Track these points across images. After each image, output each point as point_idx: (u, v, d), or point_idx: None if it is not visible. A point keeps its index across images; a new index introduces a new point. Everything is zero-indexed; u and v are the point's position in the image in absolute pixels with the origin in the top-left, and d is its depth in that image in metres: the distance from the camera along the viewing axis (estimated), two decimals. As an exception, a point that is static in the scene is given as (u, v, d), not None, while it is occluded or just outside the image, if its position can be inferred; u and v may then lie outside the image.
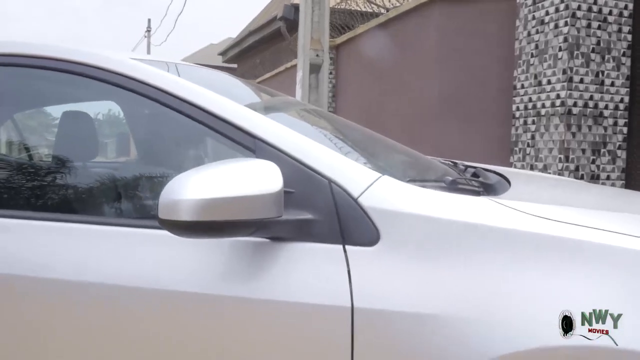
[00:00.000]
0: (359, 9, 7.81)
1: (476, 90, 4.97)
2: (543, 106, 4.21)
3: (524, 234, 1.04)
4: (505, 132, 4.63)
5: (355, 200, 1.11)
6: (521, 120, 4.41)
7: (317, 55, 5.59)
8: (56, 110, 1.83)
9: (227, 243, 1.13)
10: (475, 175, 1.71)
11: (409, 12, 5.61)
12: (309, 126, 1.82)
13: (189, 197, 1.00)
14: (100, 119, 1.95)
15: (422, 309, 1.02)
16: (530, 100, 4.32)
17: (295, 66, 7.14)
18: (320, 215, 1.11)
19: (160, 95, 1.29)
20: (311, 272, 1.09)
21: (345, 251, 1.09)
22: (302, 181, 1.14)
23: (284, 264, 1.11)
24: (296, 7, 8.95)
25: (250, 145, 1.20)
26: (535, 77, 4.27)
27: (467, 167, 1.94)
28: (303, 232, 1.11)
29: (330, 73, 7.10)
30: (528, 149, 4.34)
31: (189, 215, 1.00)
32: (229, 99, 1.29)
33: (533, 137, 4.30)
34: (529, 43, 4.35)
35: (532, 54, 4.31)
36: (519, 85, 4.45)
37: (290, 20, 10.03)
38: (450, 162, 2.07)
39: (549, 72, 4.16)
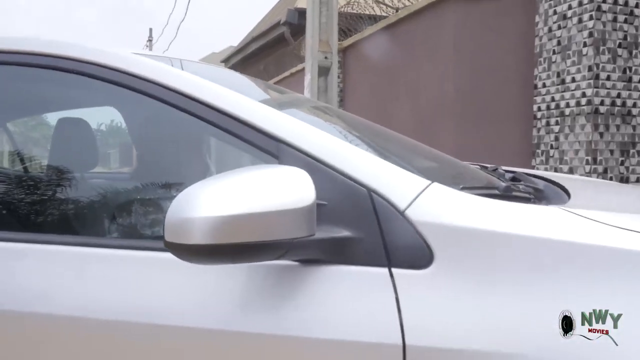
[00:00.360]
0: (366, 12, 7.65)
1: (494, 90, 4.77)
2: (567, 105, 4.02)
3: (620, 252, 0.85)
4: (526, 134, 4.44)
5: (402, 213, 0.93)
6: (543, 121, 4.22)
7: (326, 58, 5.42)
8: (47, 115, 1.65)
9: (247, 267, 0.94)
10: (516, 179, 1.53)
11: (422, 10, 5.43)
12: (330, 126, 1.62)
13: (202, 214, 0.81)
14: (99, 123, 1.75)
15: (490, 346, 0.84)
16: (553, 99, 4.14)
17: (300, 71, 6.99)
18: (359, 232, 0.93)
19: (166, 94, 1.10)
20: (351, 301, 0.91)
21: (391, 275, 0.90)
22: (336, 191, 0.95)
23: (317, 293, 0.92)
24: (300, 12, 8.83)
25: (273, 149, 1.01)
26: (558, 75, 4.08)
27: (506, 171, 1.74)
28: (340, 252, 0.92)
29: (338, 77, 6.93)
30: (551, 151, 4.14)
31: (201, 238, 0.81)
32: (245, 96, 1.10)
33: (557, 139, 4.10)
34: (550, 39, 4.16)
35: (554, 50, 4.13)
36: (540, 84, 4.26)
37: (294, 25, 9.89)
38: (479, 166, 1.87)
39: (573, 69, 3.98)
